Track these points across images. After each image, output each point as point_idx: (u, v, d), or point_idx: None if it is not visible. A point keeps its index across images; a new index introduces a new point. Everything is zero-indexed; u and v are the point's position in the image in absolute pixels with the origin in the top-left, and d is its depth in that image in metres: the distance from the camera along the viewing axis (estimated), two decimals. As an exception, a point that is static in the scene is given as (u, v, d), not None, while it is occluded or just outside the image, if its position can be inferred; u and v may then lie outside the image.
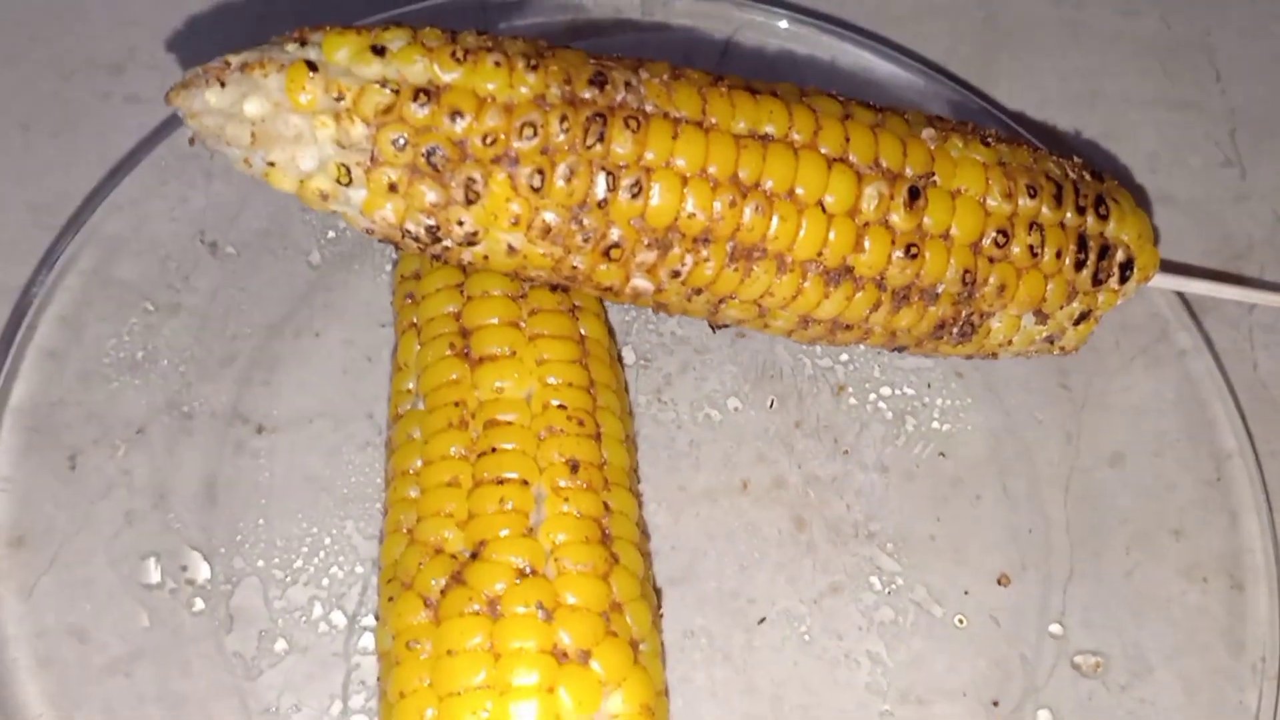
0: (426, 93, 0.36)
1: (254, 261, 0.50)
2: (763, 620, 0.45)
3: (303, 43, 0.37)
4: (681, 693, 0.43)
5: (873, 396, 0.49)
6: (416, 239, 0.38)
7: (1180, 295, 0.50)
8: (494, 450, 0.39)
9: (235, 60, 0.37)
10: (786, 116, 0.40)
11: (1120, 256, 0.44)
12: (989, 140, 0.43)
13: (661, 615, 0.42)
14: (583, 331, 0.43)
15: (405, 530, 0.38)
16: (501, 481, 0.38)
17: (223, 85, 0.36)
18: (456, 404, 0.40)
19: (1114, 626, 0.45)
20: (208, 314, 0.48)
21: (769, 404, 0.49)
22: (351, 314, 0.49)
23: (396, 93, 0.36)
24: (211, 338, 0.48)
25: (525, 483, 0.38)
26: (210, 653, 0.42)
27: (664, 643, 0.42)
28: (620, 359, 0.48)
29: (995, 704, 0.44)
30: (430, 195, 0.37)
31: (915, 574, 0.46)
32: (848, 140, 0.40)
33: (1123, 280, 0.44)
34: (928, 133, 0.42)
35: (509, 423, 0.39)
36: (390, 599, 0.37)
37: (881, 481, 0.48)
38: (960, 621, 0.45)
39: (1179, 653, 0.45)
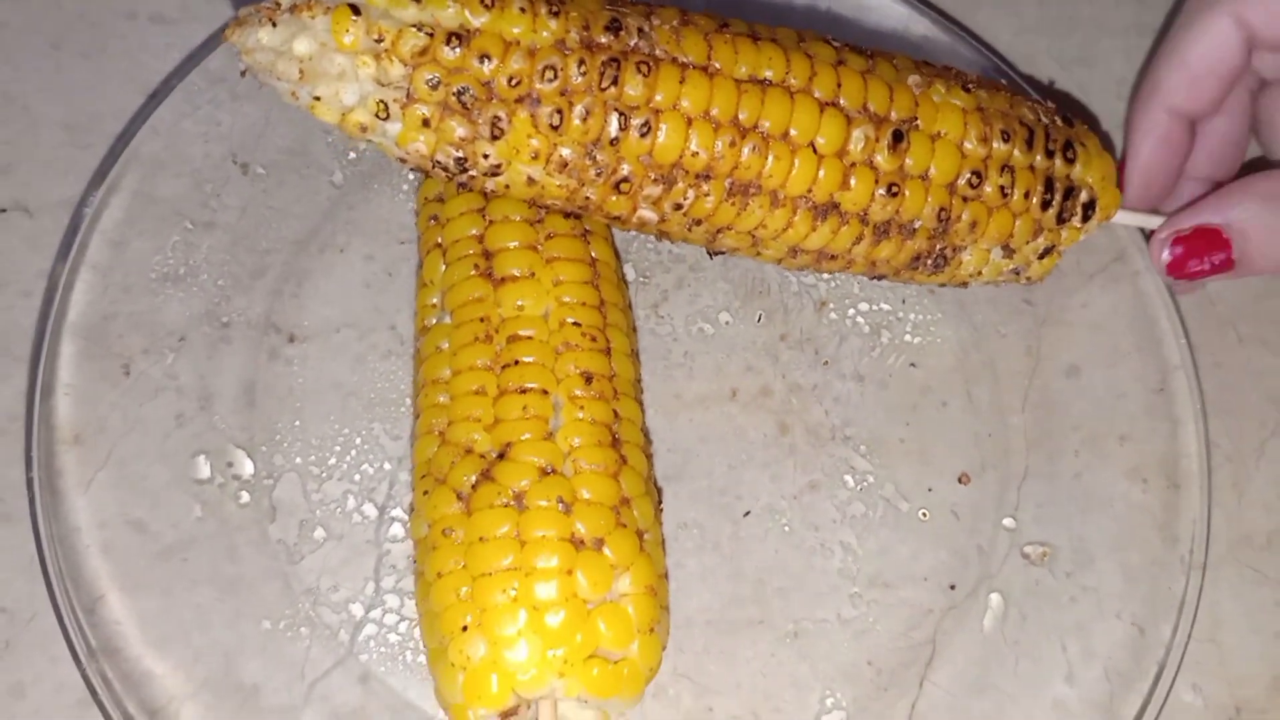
0: (458, 36, 0.40)
1: (281, 180, 0.53)
2: (748, 514, 0.50)
3: None
4: (676, 577, 0.48)
5: (851, 312, 0.53)
6: (445, 168, 0.42)
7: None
8: (516, 363, 0.43)
9: (285, 1, 0.40)
10: (784, 63, 0.43)
11: (1084, 197, 0.48)
12: (970, 86, 0.46)
13: (661, 509, 0.47)
14: (593, 255, 0.47)
15: (437, 433, 0.43)
16: (524, 391, 0.42)
17: (274, 25, 0.39)
18: (481, 319, 0.44)
19: (1062, 521, 0.50)
20: (240, 230, 0.52)
21: (757, 318, 0.53)
22: (372, 230, 0.53)
23: (431, 36, 0.39)
24: (244, 253, 0.51)
25: (545, 392, 0.43)
26: (256, 540, 0.47)
27: (663, 533, 0.47)
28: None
29: (952, 588, 0.49)
30: (459, 130, 0.41)
31: (885, 473, 0.51)
32: (839, 86, 0.44)
33: (1085, 219, 0.48)
34: (914, 79, 0.45)
35: (529, 338, 0.44)
36: (425, 493, 0.42)
37: (857, 390, 0.52)
38: (924, 515, 0.50)
39: (1119, 545, 0.50)
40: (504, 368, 0.43)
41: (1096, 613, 0.48)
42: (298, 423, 0.49)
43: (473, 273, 0.45)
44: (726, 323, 0.53)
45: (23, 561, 0.47)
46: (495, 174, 0.42)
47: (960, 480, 0.51)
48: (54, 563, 0.45)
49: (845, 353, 0.53)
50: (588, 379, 0.43)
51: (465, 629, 0.39)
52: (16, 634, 0.46)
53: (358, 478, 0.48)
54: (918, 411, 0.52)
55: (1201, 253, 0.50)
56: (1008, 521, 0.50)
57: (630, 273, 0.53)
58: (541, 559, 0.39)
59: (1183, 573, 0.48)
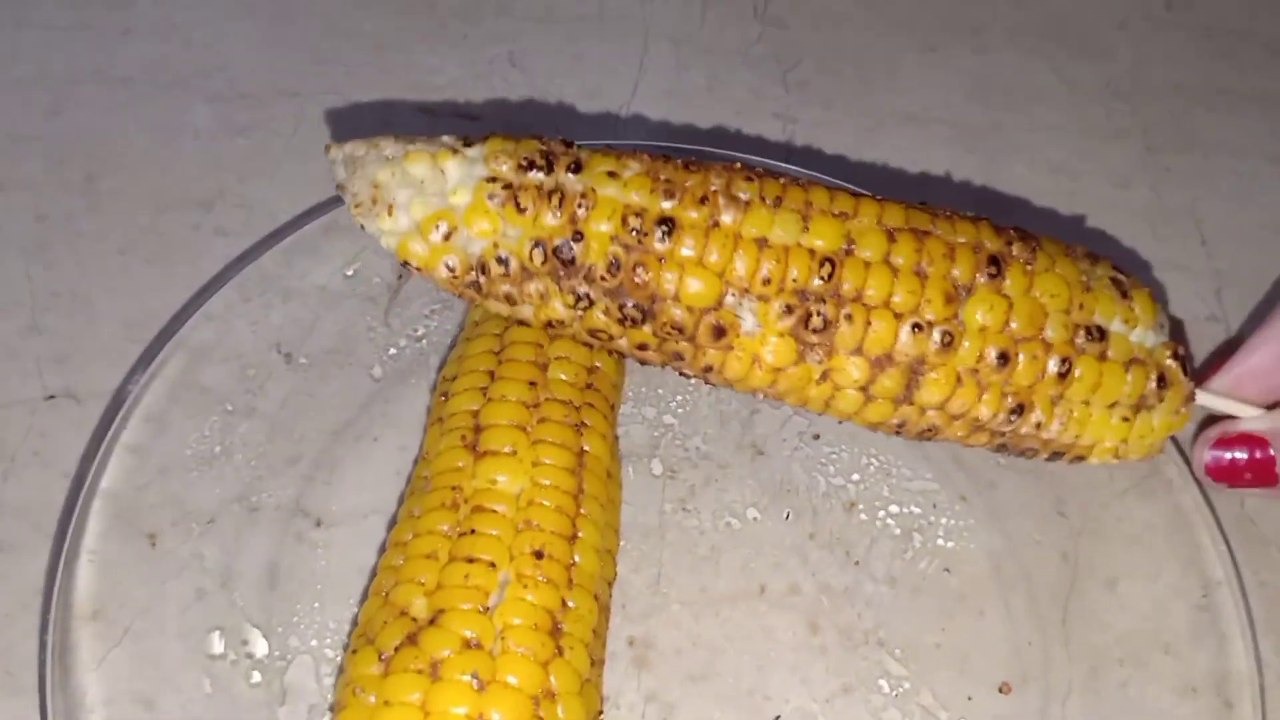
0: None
1: (323, 372, 0.54)
2: (778, 717, 0.48)
3: (467, 144, 0.44)
4: (700, 779, 0.46)
5: (881, 514, 0.53)
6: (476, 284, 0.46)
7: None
8: (473, 532, 0.43)
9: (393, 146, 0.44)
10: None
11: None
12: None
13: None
14: (584, 447, 0.47)
15: (384, 594, 0.42)
16: (472, 560, 0.42)
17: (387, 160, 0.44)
18: (454, 488, 0.44)
19: (1109, 734, 0.48)
20: (279, 417, 0.53)
21: (785, 516, 0.53)
22: (407, 422, 0.54)
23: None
24: (281, 438, 0.52)
25: (493, 565, 0.42)
26: (264, 722, 0.46)
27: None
28: (628, 471, 0.52)
29: (996, 803, 0.46)
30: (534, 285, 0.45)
31: (921, 679, 0.49)
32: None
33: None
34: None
35: (495, 511, 0.43)
36: (354, 651, 0.41)
37: (890, 593, 0.51)
38: (963, 724, 0.48)
39: (1172, 762, 0.47)
40: (461, 535, 0.43)
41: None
42: (317, 605, 0.48)
43: (459, 443, 0.45)
44: (754, 519, 0.52)
45: (25, 739, 0.45)
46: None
47: (1001, 690, 0.49)
48: (56, 739, 0.43)
49: (876, 555, 0.52)
50: (539, 555, 0.43)
51: None
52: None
53: (373, 662, 0.47)
54: (953, 618, 0.51)
55: (1244, 464, 0.49)
56: (1052, 733, 0.48)
57: (658, 468, 0.53)
58: None
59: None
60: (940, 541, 0.52)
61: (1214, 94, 0.73)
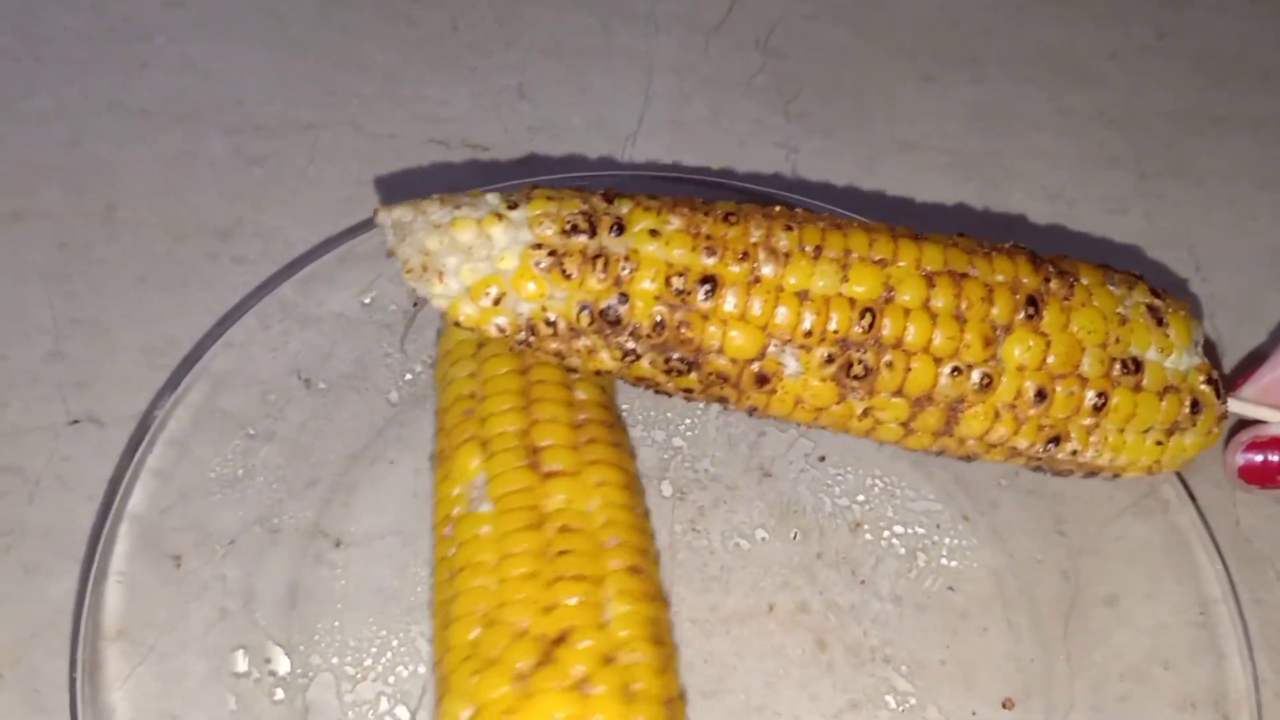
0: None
1: (340, 398, 0.56)
2: (786, 733, 0.49)
3: (511, 205, 0.45)
4: (712, 794, 0.47)
5: (886, 534, 0.54)
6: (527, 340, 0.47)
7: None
8: (569, 552, 0.44)
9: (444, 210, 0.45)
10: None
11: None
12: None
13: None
14: (626, 467, 0.49)
15: (480, 613, 0.43)
16: (579, 578, 0.43)
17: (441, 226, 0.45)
18: (530, 508, 0.45)
19: (1110, 748, 0.49)
20: (298, 441, 0.54)
21: (793, 536, 0.54)
22: (422, 446, 0.55)
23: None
24: (300, 462, 0.54)
25: (598, 582, 0.43)
26: (287, 738, 0.47)
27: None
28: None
29: (1001, 815, 0.48)
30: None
31: (927, 695, 0.50)
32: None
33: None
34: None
35: (581, 530, 0.45)
36: (475, 674, 0.41)
37: (896, 611, 0.52)
38: (968, 739, 0.49)
39: (1171, 775, 0.48)
40: (558, 554, 0.44)
41: (1154, 844, 0.46)
42: (336, 623, 0.49)
43: (520, 463, 0.46)
44: (763, 539, 0.53)
45: (52, 758, 0.46)
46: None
47: (1005, 705, 0.50)
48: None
49: (882, 574, 0.53)
50: (634, 571, 0.44)
51: None
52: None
53: (392, 679, 0.48)
54: (958, 635, 0.52)
55: (1276, 465, 0.52)
56: (1054, 746, 0.49)
57: (668, 489, 0.55)
58: None
59: (1240, 803, 0.47)
60: (944, 560, 0.54)
61: (1206, 121, 0.75)
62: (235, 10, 0.75)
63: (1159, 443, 0.50)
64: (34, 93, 0.69)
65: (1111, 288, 0.50)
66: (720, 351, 0.46)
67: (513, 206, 0.45)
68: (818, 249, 0.46)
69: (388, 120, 0.70)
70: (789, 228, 0.47)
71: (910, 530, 0.54)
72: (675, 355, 0.46)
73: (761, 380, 0.47)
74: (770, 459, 0.56)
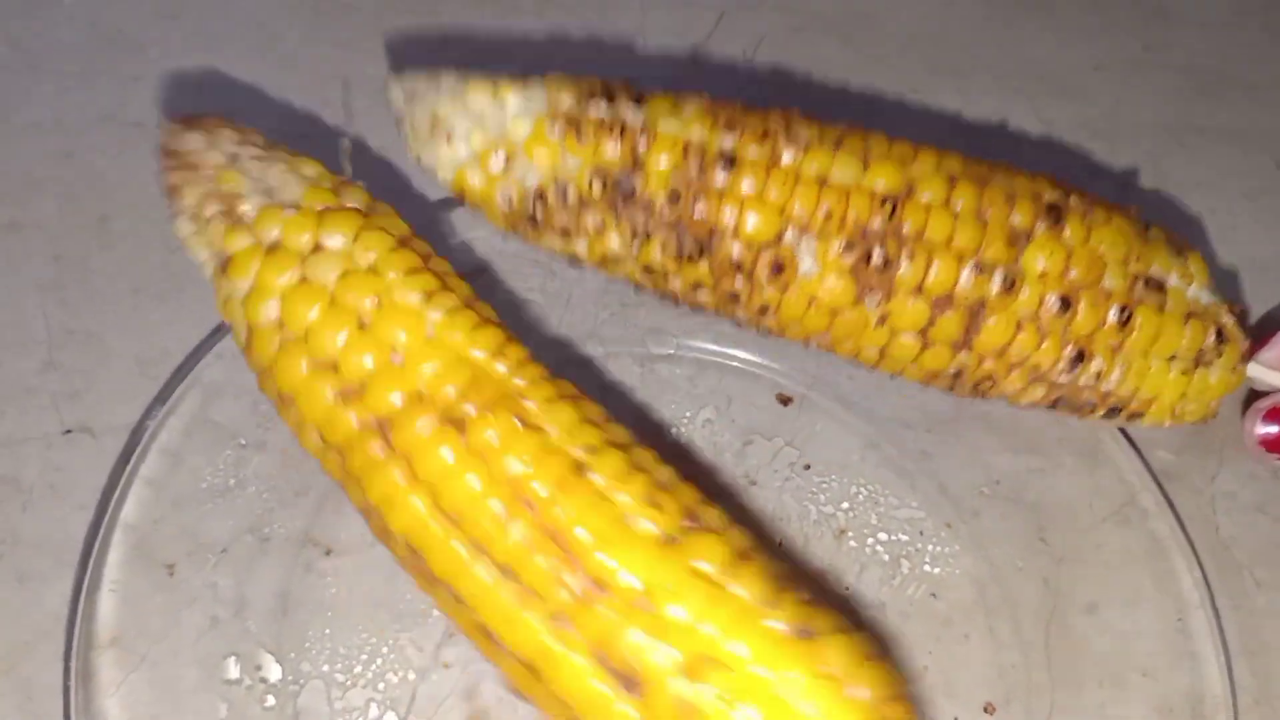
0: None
1: (331, 407, 0.56)
2: (770, 739, 0.50)
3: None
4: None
5: (870, 540, 0.55)
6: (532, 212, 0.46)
7: (1145, 464, 0.56)
8: None
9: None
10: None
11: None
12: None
13: None
14: None
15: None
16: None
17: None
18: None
19: (1089, 753, 0.50)
20: (289, 450, 0.55)
21: (778, 544, 0.55)
22: (412, 456, 0.56)
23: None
24: (291, 471, 0.54)
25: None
26: (277, 744, 0.48)
27: None
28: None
29: (981, 820, 0.48)
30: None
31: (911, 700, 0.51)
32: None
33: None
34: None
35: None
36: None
37: (880, 617, 0.53)
38: (949, 744, 0.50)
39: (1150, 780, 0.49)
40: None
41: None
42: (327, 631, 0.50)
43: None
44: (748, 547, 0.54)
45: (45, 764, 0.47)
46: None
47: (986, 710, 0.51)
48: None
49: (866, 581, 0.54)
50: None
51: None
52: (29, 840, 0.46)
53: (382, 686, 0.49)
54: (940, 642, 0.53)
55: None
56: (1034, 752, 0.50)
57: (655, 498, 0.55)
58: None
59: (1217, 807, 0.47)
60: (927, 568, 0.54)
61: (1190, 133, 0.76)
62: (228, 24, 0.75)
63: (1184, 373, 0.49)
64: (28, 105, 0.70)
65: (1129, 219, 0.49)
66: (735, 234, 0.44)
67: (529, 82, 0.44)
68: (838, 142, 0.45)
69: (380, 134, 0.70)
70: (809, 123, 0.46)
71: (894, 537, 0.55)
72: (688, 238, 0.44)
73: (777, 269, 0.44)
74: (756, 468, 0.57)
